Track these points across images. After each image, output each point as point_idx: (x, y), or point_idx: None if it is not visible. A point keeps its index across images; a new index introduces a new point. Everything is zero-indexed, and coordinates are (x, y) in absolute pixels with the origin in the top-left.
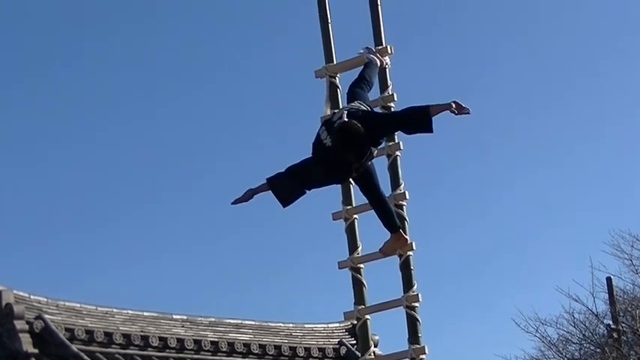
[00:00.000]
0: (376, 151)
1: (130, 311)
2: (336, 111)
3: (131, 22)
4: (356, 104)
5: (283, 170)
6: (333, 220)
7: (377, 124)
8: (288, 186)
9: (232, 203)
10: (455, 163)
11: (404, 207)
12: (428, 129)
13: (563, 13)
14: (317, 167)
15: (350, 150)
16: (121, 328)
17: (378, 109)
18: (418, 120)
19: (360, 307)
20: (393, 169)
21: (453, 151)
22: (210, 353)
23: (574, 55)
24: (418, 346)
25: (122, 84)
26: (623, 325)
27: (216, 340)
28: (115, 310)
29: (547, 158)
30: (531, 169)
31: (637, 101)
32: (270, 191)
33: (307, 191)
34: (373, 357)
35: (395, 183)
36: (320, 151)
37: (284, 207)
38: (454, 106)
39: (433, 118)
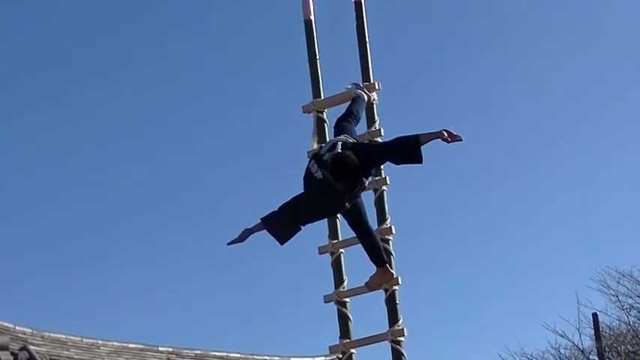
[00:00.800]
0: (367, 183)
1: (115, 343)
2: (323, 145)
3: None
4: (343, 137)
5: (276, 209)
6: (320, 254)
7: (367, 154)
8: (282, 224)
9: (228, 244)
10: (446, 207)
11: (390, 242)
12: (417, 159)
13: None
14: (309, 202)
15: (344, 181)
16: (106, 359)
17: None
18: (408, 149)
19: (345, 341)
20: (379, 203)
21: (445, 195)
22: None
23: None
24: None
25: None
26: None
27: None
28: (100, 342)
29: (531, 212)
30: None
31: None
32: (266, 231)
33: (302, 227)
34: None
35: (382, 217)
36: (312, 184)
37: (281, 245)
38: (445, 134)
39: (423, 148)
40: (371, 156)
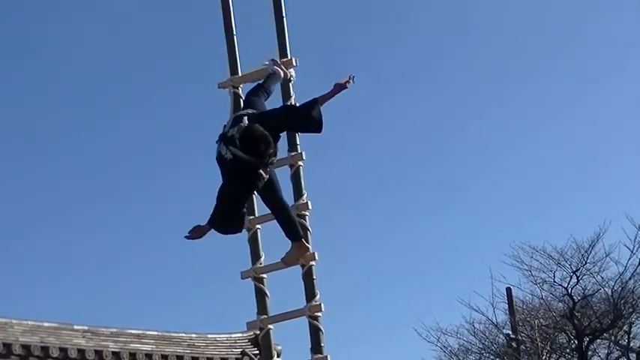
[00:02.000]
0: (278, 151)
1: (29, 322)
2: (225, 124)
3: None
4: (246, 111)
5: (212, 209)
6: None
7: (270, 121)
8: (225, 218)
9: (185, 237)
10: (365, 184)
11: (306, 217)
12: (315, 127)
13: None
14: (232, 188)
15: (255, 153)
16: (20, 339)
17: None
18: (307, 113)
19: (262, 317)
20: (295, 179)
21: (365, 172)
22: None
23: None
24: (321, 355)
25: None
26: (522, 334)
27: (117, 350)
28: (14, 321)
29: (447, 191)
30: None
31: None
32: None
33: (244, 210)
34: None
35: (298, 193)
36: (224, 166)
37: (240, 232)
38: (338, 86)
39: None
40: (275, 126)
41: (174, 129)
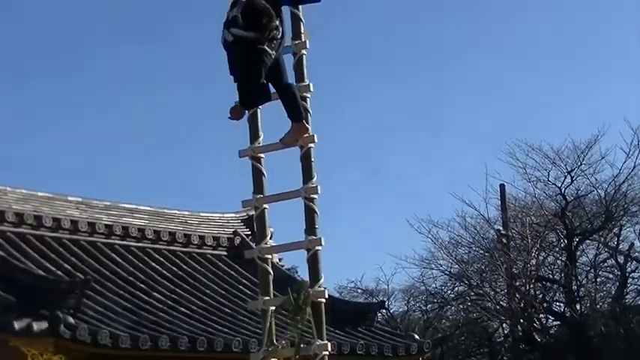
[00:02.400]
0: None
1: (23, 190)
2: (227, 10)
3: None
4: None
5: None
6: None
7: None
8: (249, 94)
9: (229, 118)
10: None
11: (308, 99)
12: None
13: None
14: (241, 65)
15: (260, 27)
16: (14, 206)
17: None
18: None
19: (258, 197)
20: (298, 66)
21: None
22: (103, 236)
23: None
24: (315, 237)
25: None
26: (513, 231)
27: (110, 223)
28: (8, 189)
29: (451, 62)
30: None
31: None
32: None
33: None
34: (270, 246)
35: (300, 79)
36: (230, 50)
37: (270, 99)
38: None
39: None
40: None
41: None
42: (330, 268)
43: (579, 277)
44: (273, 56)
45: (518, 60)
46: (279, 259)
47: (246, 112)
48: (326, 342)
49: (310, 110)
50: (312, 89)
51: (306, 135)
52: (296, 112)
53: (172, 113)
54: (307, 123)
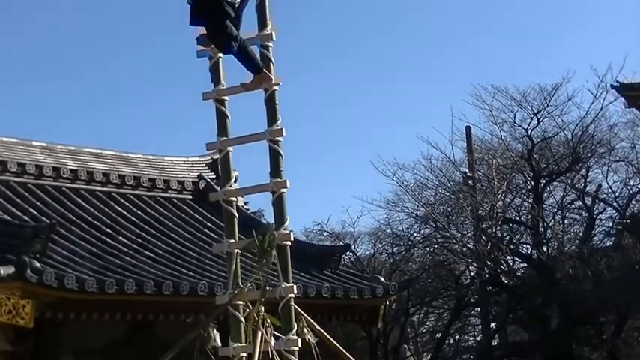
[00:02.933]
0: None
1: None
2: None
3: None
4: None
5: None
6: (198, 57)
7: None
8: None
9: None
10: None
11: (270, 48)
12: None
13: None
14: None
15: None
16: None
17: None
18: None
19: (223, 139)
20: (260, 10)
21: None
22: (69, 181)
23: None
24: (280, 180)
25: None
26: (479, 173)
27: (75, 168)
28: None
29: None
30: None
31: None
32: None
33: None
34: (234, 189)
35: (262, 24)
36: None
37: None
38: None
39: None
40: None
41: None
42: (295, 212)
43: (546, 219)
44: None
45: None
46: (245, 203)
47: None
48: (291, 284)
49: (273, 59)
50: (274, 38)
51: (269, 81)
52: (253, 64)
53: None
54: (269, 72)
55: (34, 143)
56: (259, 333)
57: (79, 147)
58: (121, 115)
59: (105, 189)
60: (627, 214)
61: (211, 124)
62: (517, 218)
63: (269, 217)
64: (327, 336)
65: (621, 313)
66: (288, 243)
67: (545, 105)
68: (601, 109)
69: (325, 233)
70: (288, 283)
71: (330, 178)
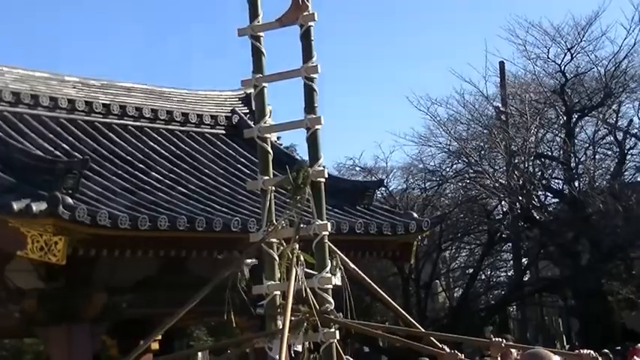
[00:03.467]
0: None
1: (20, 70)
2: None
3: None
4: None
5: None
6: None
7: None
8: None
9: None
10: None
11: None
12: None
13: None
14: None
15: None
16: (10, 86)
17: None
18: None
19: (258, 76)
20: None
21: None
22: (101, 115)
23: None
24: (314, 116)
25: None
26: (512, 108)
27: (107, 102)
28: (5, 69)
29: None
30: None
31: None
32: None
33: None
34: (269, 125)
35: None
36: None
37: None
38: None
39: None
40: None
41: None
42: (329, 147)
43: (578, 154)
44: None
45: None
46: (278, 138)
47: None
48: (326, 222)
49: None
50: None
51: (306, 13)
52: None
53: None
54: (306, 0)
55: (66, 77)
56: (293, 271)
57: (111, 81)
58: (155, 48)
59: (137, 123)
60: None
61: (246, 61)
62: (549, 153)
63: (302, 152)
64: (361, 273)
65: None
66: (323, 180)
67: (579, 40)
68: (634, 44)
69: (357, 168)
70: (322, 220)
71: (364, 114)
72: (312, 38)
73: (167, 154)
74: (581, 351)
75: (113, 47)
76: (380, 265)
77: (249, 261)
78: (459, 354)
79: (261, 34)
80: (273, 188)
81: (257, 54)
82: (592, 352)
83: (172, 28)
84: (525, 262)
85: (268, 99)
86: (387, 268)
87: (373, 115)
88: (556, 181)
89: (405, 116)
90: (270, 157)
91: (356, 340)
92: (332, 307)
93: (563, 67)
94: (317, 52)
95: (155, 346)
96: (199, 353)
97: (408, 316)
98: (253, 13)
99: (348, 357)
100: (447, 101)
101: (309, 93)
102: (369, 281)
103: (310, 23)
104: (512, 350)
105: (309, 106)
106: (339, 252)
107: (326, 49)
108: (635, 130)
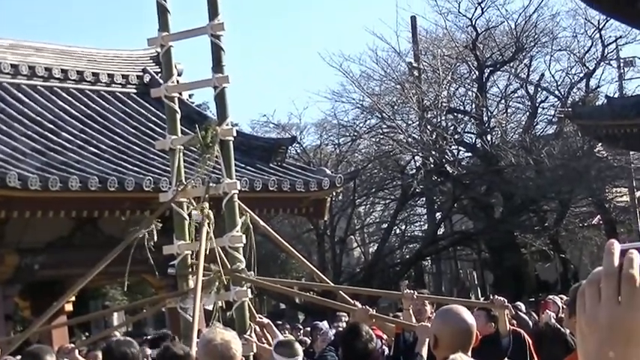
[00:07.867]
0: None
1: None
2: None
3: None
4: None
5: None
6: None
7: None
8: None
9: None
10: None
11: None
12: None
13: None
14: None
15: None
16: None
17: None
18: None
19: (164, 34)
20: None
21: None
22: (10, 76)
23: None
24: (222, 75)
25: None
26: (424, 63)
27: (16, 63)
28: None
29: None
30: None
31: None
32: None
33: None
34: (176, 84)
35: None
36: None
37: None
38: None
39: None
40: None
41: None
42: (243, 104)
43: (490, 109)
44: None
45: None
46: (190, 96)
47: None
48: (235, 180)
49: None
50: None
51: None
52: None
53: None
54: None
55: None
56: (204, 230)
57: (19, 40)
58: (63, 4)
59: (47, 84)
60: (569, 102)
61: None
62: (461, 108)
63: (214, 110)
64: (271, 231)
65: (563, 200)
66: (231, 138)
67: None
68: None
69: (271, 125)
70: (231, 179)
71: (278, 71)
72: None
73: (78, 114)
74: (494, 297)
75: (25, 5)
76: (295, 222)
77: (194, 216)
78: (370, 309)
79: None
80: (182, 147)
81: (163, 12)
82: (503, 298)
83: None
84: (439, 216)
85: (182, 58)
86: (302, 225)
87: (287, 72)
88: (469, 135)
89: (319, 73)
90: (178, 116)
91: (272, 297)
92: (243, 266)
93: (474, 22)
94: (232, 9)
95: (69, 307)
96: (115, 313)
97: (320, 273)
98: None
99: (260, 315)
100: (360, 57)
101: (217, 51)
102: (280, 239)
103: None
104: (427, 307)
105: (217, 65)
106: (249, 210)
107: (242, 7)
108: (547, 84)
